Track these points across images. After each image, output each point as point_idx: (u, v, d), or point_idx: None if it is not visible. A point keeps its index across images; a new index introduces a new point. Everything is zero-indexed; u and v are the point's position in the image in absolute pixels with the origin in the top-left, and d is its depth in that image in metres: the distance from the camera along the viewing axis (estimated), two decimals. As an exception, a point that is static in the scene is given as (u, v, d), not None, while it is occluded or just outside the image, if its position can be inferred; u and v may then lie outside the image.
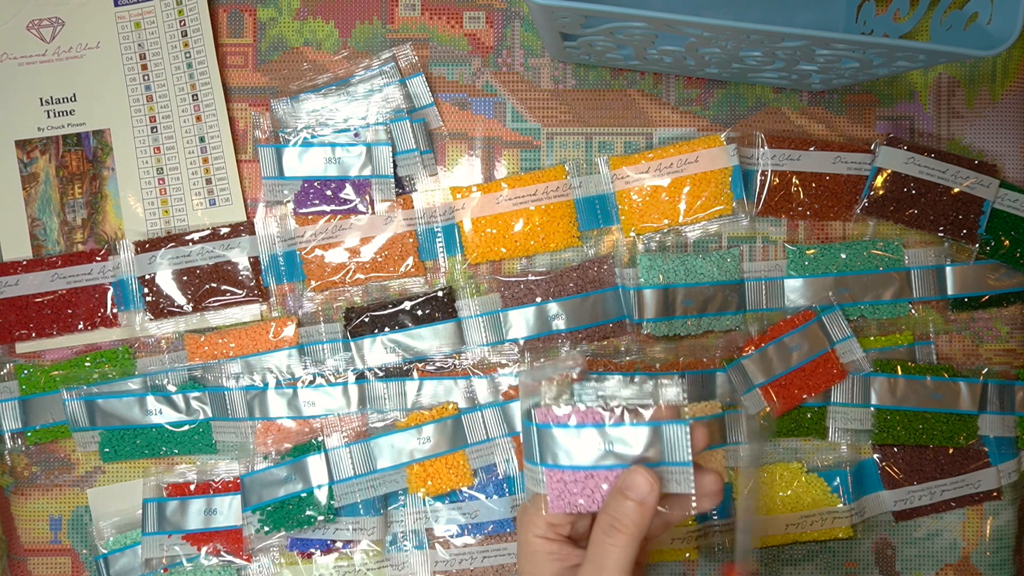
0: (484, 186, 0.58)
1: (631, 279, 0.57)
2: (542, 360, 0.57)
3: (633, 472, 0.40)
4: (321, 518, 0.55)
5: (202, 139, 0.59)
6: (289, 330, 0.57)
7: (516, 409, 0.57)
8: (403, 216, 0.58)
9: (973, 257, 0.59)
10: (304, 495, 0.55)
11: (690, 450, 0.41)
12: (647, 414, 0.42)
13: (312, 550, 0.57)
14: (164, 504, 0.56)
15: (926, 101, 0.60)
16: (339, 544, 0.57)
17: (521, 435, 0.45)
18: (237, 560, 0.56)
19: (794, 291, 0.59)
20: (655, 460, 0.41)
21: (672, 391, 0.42)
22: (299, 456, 0.56)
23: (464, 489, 0.57)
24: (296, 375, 0.57)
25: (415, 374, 0.57)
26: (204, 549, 0.56)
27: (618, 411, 0.42)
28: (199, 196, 0.59)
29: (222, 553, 0.56)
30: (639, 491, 0.40)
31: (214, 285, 0.58)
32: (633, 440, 0.41)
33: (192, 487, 0.57)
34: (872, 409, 0.58)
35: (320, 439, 0.56)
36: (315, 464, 0.55)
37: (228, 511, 0.56)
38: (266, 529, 0.55)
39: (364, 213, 0.57)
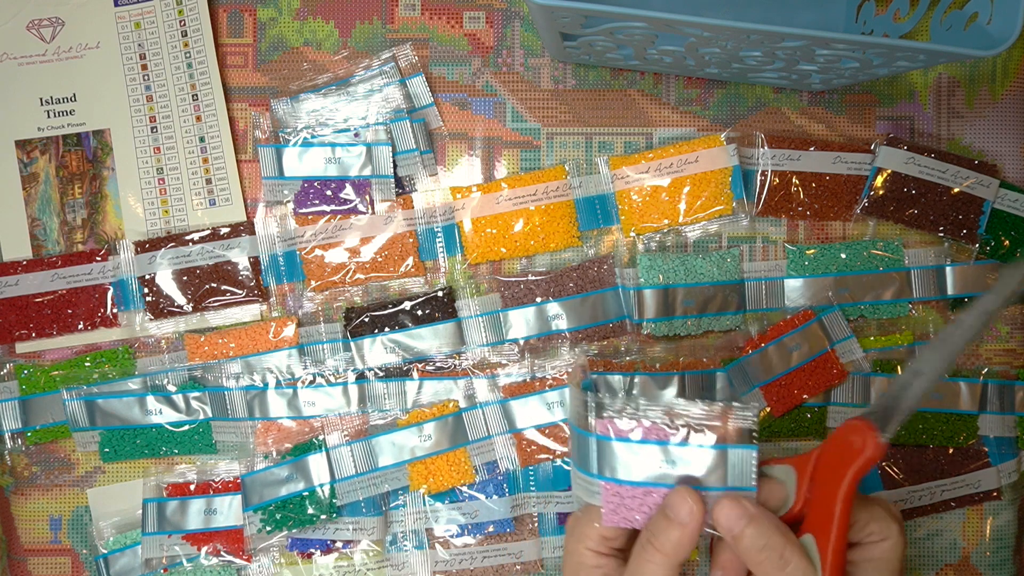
0: (484, 186, 0.58)
1: (631, 279, 0.57)
2: (583, 372, 0.57)
3: (677, 493, 0.40)
4: (324, 517, 0.55)
5: (202, 139, 0.59)
6: (289, 330, 0.57)
7: (516, 407, 0.57)
8: (403, 216, 0.58)
9: (973, 257, 0.59)
10: (306, 494, 0.55)
11: (755, 475, 0.40)
12: (714, 435, 0.40)
13: (312, 550, 0.57)
14: (164, 504, 0.56)
15: (926, 101, 0.60)
16: (339, 544, 0.57)
17: (572, 443, 0.44)
18: (237, 560, 0.56)
19: (794, 291, 0.59)
20: (718, 484, 0.40)
21: (743, 414, 0.41)
22: (300, 455, 0.56)
23: (464, 489, 0.57)
24: (296, 375, 0.57)
25: (415, 374, 0.57)
26: (204, 549, 0.56)
27: (683, 429, 0.40)
28: (199, 196, 0.59)
29: (222, 553, 0.56)
30: (679, 514, 0.39)
31: (214, 285, 0.58)
32: (697, 461, 0.40)
33: (192, 487, 0.57)
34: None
35: (321, 438, 0.56)
36: (316, 463, 0.55)
37: (228, 511, 0.56)
38: (268, 529, 0.55)
39: (364, 213, 0.57)
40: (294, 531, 0.55)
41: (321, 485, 0.55)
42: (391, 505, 0.57)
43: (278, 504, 0.55)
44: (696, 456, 0.40)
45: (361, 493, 0.56)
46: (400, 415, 0.57)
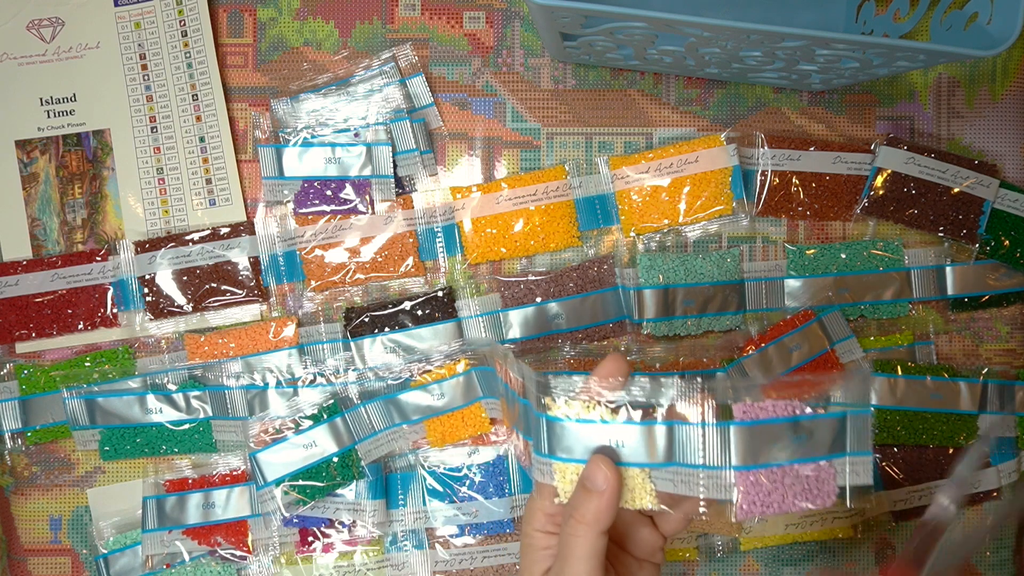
0: (484, 186, 0.58)
1: (631, 279, 0.57)
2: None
3: (592, 463, 0.39)
4: (350, 480, 0.54)
5: (202, 139, 0.59)
6: (289, 330, 0.57)
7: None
8: (403, 216, 0.58)
9: (973, 257, 0.59)
10: (329, 459, 0.54)
11: (872, 438, 0.40)
12: (841, 399, 0.40)
13: (312, 530, 0.56)
14: (163, 500, 0.56)
15: (926, 101, 0.60)
16: (338, 525, 0.56)
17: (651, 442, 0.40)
18: (237, 552, 0.56)
19: (794, 291, 0.59)
20: (839, 450, 0.39)
21: (860, 371, 0.40)
22: (317, 423, 0.55)
23: (464, 489, 0.57)
24: (296, 375, 0.57)
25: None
26: (204, 544, 0.56)
27: (814, 400, 0.40)
28: (199, 196, 0.59)
29: (222, 545, 0.56)
30: (596, 483, 0.39)
31: (214, 285, 0.58)
32: (824, 428, 0.39)
33: (190, 482, 0.57)
34: (872, 409, 0.58)
35: (334, 401, 0.56)
36: (335, 428, 0.55)
37: (226, 504, 0.56)
38: (296, 499, 0.54)
39: (364, 213, 0.57)
40: (323, 498, 0.55)
41: (344, 450, 0.54)
42: (394, 497, 0.57)
43: (302, 473, 0.54)
44: (824, 424, 0.39)
45: (384, 449, 0.55)
46: (413, 375, 0.57)
